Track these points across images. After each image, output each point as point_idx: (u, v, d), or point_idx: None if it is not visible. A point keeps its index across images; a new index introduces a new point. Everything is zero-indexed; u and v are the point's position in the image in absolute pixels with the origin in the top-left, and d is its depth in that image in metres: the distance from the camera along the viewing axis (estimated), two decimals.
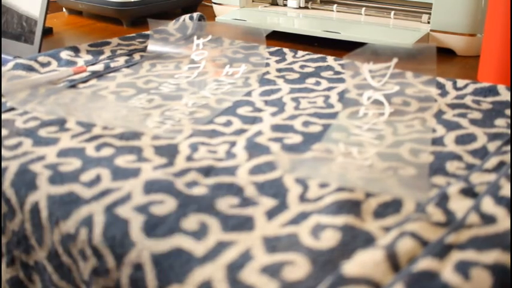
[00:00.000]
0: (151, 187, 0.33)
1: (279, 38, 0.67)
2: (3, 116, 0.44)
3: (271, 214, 0.30)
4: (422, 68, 0.47)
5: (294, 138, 0.39)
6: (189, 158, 0.37)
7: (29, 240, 0.34)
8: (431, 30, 0.63)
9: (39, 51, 0.62)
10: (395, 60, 0.44)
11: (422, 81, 0.48)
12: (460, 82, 0.49)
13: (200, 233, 0.29)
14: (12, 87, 0.48)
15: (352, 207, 0.30)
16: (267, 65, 0.56)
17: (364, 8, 0.71)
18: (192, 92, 0.49)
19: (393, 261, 0.25)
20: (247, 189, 0.33)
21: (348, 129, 0.41)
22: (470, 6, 0.59)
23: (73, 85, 0.51)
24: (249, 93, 0.48)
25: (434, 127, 0.41)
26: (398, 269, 0.25)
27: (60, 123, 0.42)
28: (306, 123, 0.42)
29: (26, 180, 0.35)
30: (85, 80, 0.52)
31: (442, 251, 0.25)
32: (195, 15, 0.66)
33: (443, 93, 0.47)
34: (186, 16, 0.67)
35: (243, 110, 0.45)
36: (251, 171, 0.35)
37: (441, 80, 0.50)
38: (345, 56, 0.47)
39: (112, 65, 0.56)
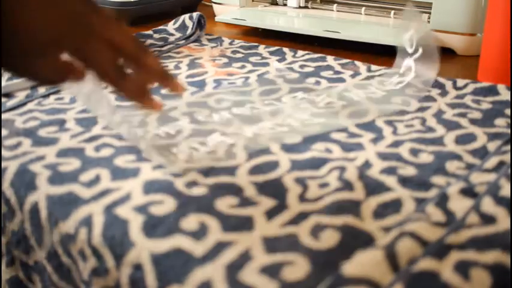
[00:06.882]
0: (150, 187, 0.33)
1: (279, 38, 0.67)
2: (3, 116, 0.44)
3: (270, 214, 0.30)
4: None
5: (294, 138, 0.39)
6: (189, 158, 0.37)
7: (29, 240, 0.34)
8: (431, 30, 0.62)
9: None
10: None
11: (422, 81, 0.48)
12: (460, 82, 0.49)
13: (200, 233, 0.29)
14: (12, 87, 0.48)
15: (352, 207, 0.30)
16: (266, 64, 0.55)
17: (364, 8, 0.71)
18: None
19: (393, 261, 0.25)
20: (247, 189, 0.33)
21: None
22: (470, 6, 0.59)
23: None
24: (248, 93, 0.48)
25: (434, 127, 0.41)
26: (398, 269, 0.25)
27: (60, 123, 0.42)
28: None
29: (25, 180, 0.35)
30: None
31: (442, 251, 0.25)
32: (195, 15, 0.66)
33: (443, 93, 0.47)
34: (186, 16, 0.67)
35: (242, 110, 0.45)
36: (251, 171, 0.35)
37: (441, 79, 0.49)
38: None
39: None
